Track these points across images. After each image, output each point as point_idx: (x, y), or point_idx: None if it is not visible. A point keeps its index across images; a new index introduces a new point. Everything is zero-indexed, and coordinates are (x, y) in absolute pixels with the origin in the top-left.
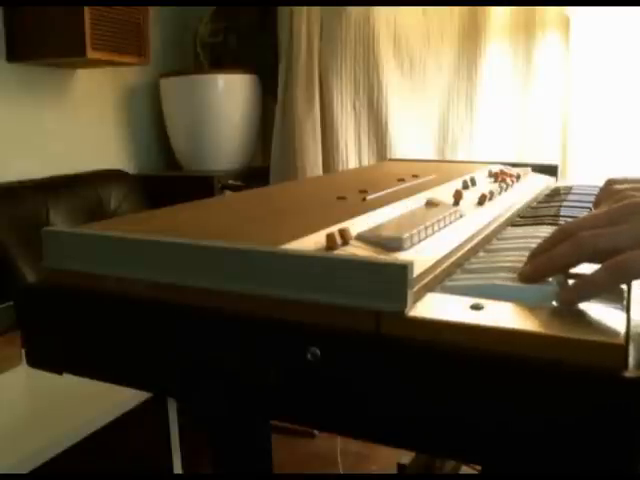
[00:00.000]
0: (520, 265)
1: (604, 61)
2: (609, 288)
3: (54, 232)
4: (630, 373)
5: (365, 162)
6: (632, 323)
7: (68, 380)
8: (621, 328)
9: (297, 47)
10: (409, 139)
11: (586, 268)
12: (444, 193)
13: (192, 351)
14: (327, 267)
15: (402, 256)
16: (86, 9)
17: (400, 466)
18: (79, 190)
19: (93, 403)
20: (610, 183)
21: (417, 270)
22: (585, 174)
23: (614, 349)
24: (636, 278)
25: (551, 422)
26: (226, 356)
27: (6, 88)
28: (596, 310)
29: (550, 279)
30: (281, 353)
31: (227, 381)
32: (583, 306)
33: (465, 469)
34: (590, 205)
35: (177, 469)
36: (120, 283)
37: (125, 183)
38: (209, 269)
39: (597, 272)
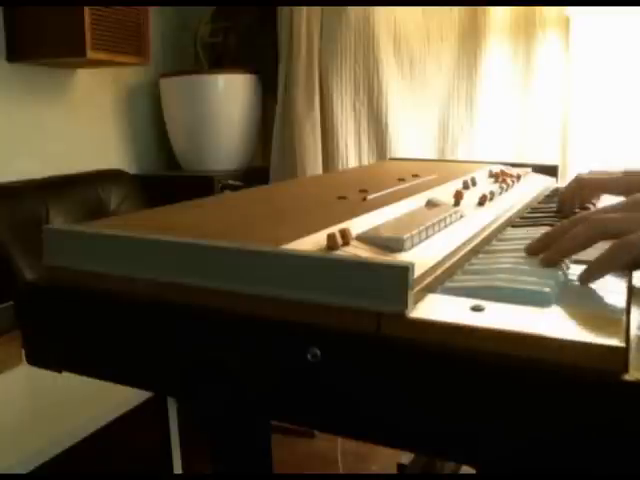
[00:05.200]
0: (520, 267)
1: (604, 61)
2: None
3: (54, 230)
4: (630, 376)
5: (365, 162)
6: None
7: (68, 380)
8: (622, 331)
9: (297, 47)
10: (409, 139)
11: None
12: (444, 193)
13: (192, 351)
14: (328, 267)
15: (403, 257)
16: (86, 9)
17: (400, 466)
18: (79, 190)
19: (93, 403)
20: (579, 177)
21: (418, 271)
22: None
23: (614, 352)
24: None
25: (551, 424)
26: (226, 356)
27: (6, 88)
28: (597, 313)
29: (552, 281)
30: (281, 353)
31: (227, 381)
32: (584, 309)
33: (465, 469)
34: None
35: (177, 469)
36: (120, 282)
37: (125, 183)
38: (209, 268)
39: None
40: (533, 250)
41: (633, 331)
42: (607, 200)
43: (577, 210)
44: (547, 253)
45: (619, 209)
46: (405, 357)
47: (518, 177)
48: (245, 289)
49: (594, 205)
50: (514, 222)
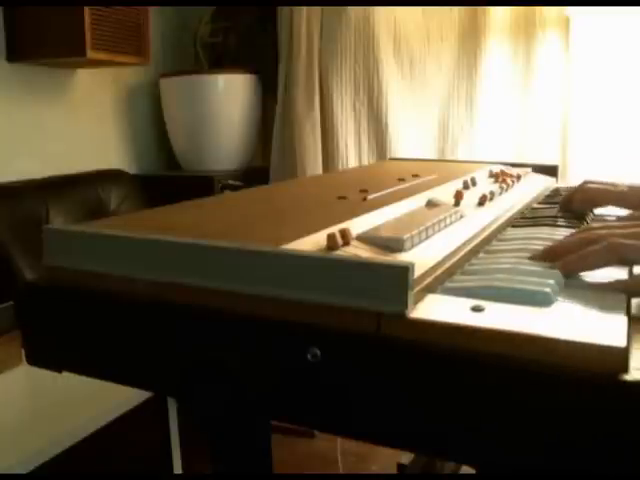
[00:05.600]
0: (520, 267)
1: (604, 61)
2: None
3: (55, 230)
4: (631, 377)
5: (365, 162)
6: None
7: (68, 380)
8: (622, 331)
9: (297, 47)
10: (409, 139)
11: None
12: (445, 193)
13: (192, 351)
14: (328, 267)
15: (403, 257)
16: (86, 9)
17: (400, 466)
18: (79, 190)
19: (93, 403)
20: (585, 184)
21: (418, 271)
22: (585, 174)
23: (615, 352)
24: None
25: (550, 424)
26: (226, 356)
27: (6, 88)
28: (597, 313)
29: (552, 281)
30: (281, 353)
31: (227, 381)
32: (585, 309)
33: (465, 469)
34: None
35: (177, 469)
36: (120, 282)
37: (125, 183)
38: (209, 269)
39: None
40: (542, 259)
41: (633, 330)
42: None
43: (588, 219)
44: (558, 264)
45: (635, 226)
46: (405, 357)
47: (518, 177)
48: (245, 289)
49: (593, 214)
50: (514, 222)
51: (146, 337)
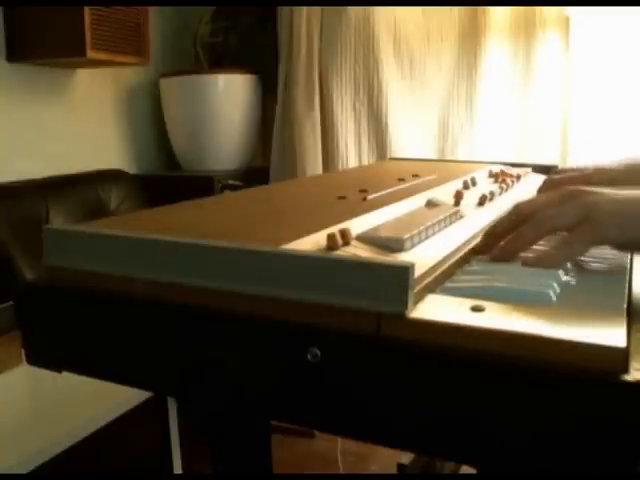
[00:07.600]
0: (520, 267)
1: (604, 61)
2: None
3: (54, 230)
4: (631, 377)
5: (365, 162)
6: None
7: (68, 380)
8: (622, 331)
9: (297, 47)
10: (409, 139)
11: None
12: (444, 193)
13: (192, 351)
14: (328, 268)
15: (403, 257)
16: (86, 9)
17: (400, 466)
18: (79, 190)
19: (93, 403)
20: (552, 175)
21: (418, 271)
22: None
23: (615, 352)
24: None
25: (551, 425)
26: (226, 356)
27: (6, 88)
28: (597, 313)
29: (552, 281)
30: (281, 353)
31: (227, 381)
32: (584, 309)
33: (465, 469)
34: None
35: (177, 469)
36: (119, 281)
37: (125, 183)
38: (209, 269)
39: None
40: (483, 250)
41: (633, 330)
42: None
43: None
44: (496, 252)
45: (556, 200)
46: (405, 357)
47: (518, 177)
48: (245, 289)
49: None
50: None
51: (146, 337)
